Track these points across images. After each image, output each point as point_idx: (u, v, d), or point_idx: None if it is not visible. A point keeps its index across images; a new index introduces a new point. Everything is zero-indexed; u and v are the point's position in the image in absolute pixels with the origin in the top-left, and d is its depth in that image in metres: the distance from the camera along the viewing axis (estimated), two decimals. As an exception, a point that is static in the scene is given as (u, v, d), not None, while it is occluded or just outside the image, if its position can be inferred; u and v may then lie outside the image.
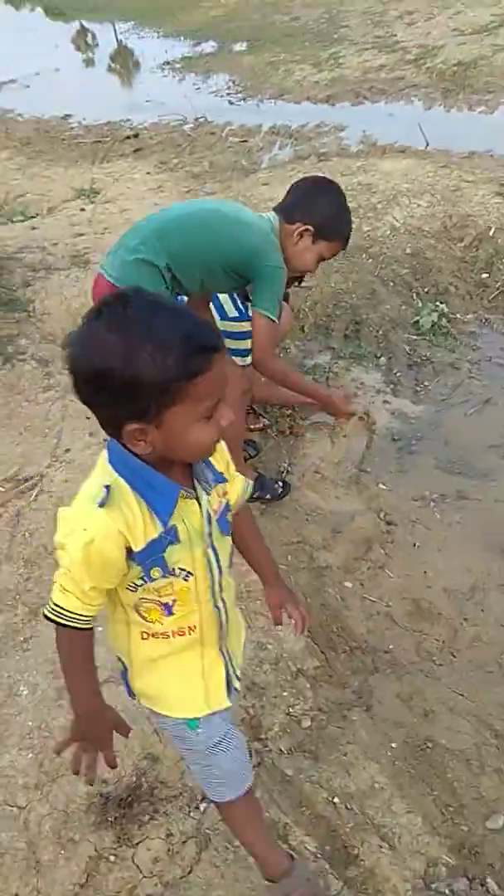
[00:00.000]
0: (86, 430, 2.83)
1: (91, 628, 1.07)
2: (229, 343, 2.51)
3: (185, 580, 1.10)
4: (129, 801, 1.61)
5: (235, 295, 2.50)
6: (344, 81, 7.10)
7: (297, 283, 2.49)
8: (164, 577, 1.07)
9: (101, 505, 0.99)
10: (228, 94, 7.51)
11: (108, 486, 1.00)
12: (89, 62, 10.42)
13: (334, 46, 8.10)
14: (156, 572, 1.07)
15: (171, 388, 0.94)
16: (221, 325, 2.46)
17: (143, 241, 2.05)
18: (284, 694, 1.87)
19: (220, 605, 1.18)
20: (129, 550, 1.02)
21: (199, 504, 1.09)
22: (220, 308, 2.48)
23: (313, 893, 1.41)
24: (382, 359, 3.24)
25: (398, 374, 3.15)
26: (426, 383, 3.10)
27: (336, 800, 1.64)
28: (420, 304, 3.53)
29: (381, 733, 1.78)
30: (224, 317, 2.48)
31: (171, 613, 1.12)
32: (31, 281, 3.71)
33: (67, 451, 2.76)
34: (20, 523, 2.44)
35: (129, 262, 2.04)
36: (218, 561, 1.14)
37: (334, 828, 1.59)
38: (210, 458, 1.11)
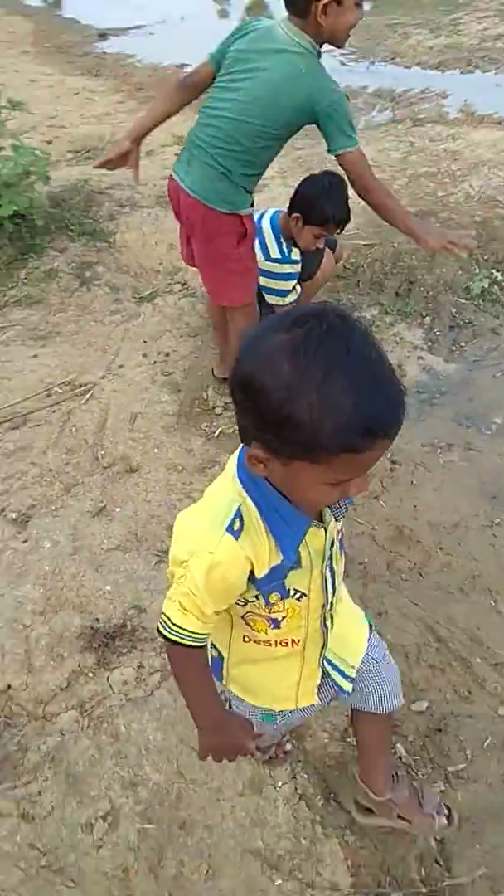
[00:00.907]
0: (140, 351, 3.16)
1: (206, 644, 1.07)
2: (269, 283, 2.74)
3: (299, 601, 1.07)
4: (112, 636, 1.94)
5: (282, 237, 2.71)
6: (458, 48, 6.99)
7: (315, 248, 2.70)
8: (280, 600, 1.05)
9: (233, 534, 0.94)
10: (343, 54, 7.54)
11: (239, 512, 0.95)
12: (223, 13, 10.57)
13: (457, 12, 7.93)
14: (273, 597, 1.04)
15: (314, 449, 0.82)
16: (263, 264, 2.68)
17: (209, 144, 2.20)
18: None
19: (329, 622, 1.16)
20: (250, 574, 0.99)
21: (326, 530, 1.02)
22: (265, 248, 2.70)
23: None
24: (427, 318, 3.38)
25: (438, 334, 3.29)
26: (463, 344, 3.23)
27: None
28: (476, 271, 3.62)
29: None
30: (267, 257, 2.70)
31: (277, 627, 1.09)
32: (115, 215, 4.05)
33: (121, 366, 3.09)
34: (69, 420, 2.80)
35: (205, 174, 2.23)
36: (333, 580, 1.12)
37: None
38: None
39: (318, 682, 1.22)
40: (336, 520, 1.02)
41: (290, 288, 2.77)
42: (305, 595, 1.06)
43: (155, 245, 3.87)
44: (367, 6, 8.90)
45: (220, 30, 2.52)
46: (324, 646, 1.18)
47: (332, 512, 1.00)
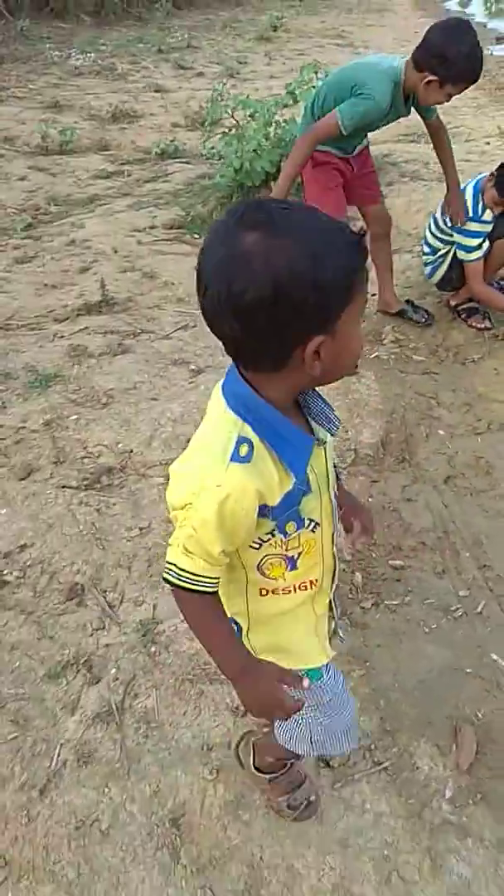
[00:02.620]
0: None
1: (218, 590, 1.01)
2: (460, 238, 2.98)
3: (313, 532, 1.04)
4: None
5: (479, 199, 2.90)
6: None
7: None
8: (298, 528, 1.01)
9: (239, 461, 0.90)
10: None
11: (241, 440, 0.91)
12: None
13: None
14: (291, 527, 1.00)
15: (352, 283, 0.85)
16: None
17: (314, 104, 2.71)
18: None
19: (338, 553, 1.13)
20: (262, 507, 0.95)
21: (325, 450, 1.02)
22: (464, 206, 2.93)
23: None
24: None
25: None
26: None
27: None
28: None
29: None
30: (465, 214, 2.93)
31: (294, 568, 1.05)
32: (394, 182, 4.48)
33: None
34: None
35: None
36: (336, 507, 1.10)
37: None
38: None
39: (330, 627, 1.21)
40: (332, 434, 1.02)
41: (476, 245, 2.95)
42: (319, 525, 1.04)
43: (416, 212, 4.22)
44: None
45: None
46: (334, 580, 1.15)
47: (325, 427, 1.00)
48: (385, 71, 2.49)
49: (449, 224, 3.00)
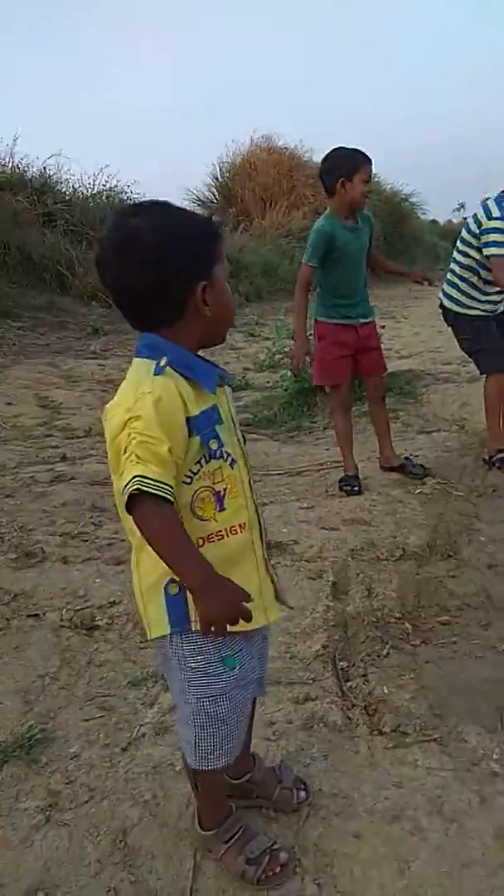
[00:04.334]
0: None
1: (173, 501, 1.04)
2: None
3: (232, 467, 1.17)
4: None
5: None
6: None
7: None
8: (218, 455, 1.14)
9: (162, 372, 1.08)
10: None
11: (159, 367, 1.08)
12: None
13: None
14: (214, 443, 1.13)
15: (217, 242, 1.17)
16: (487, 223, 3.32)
17: None
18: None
19: (257, 505, 1.24)
20: (186, 420, 1.08)
21: (227, 397, 1.21)
22: (486, 209, 3.38)
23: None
24: None
25: None
26: None
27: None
28: None
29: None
30: (489, 216, 3.35)
31: (223, 508, 1.15)
32: (430, 384, 5.25)
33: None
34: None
35: None
36: (247, 461, 1.24)
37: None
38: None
39: (273, 590, 1.27)
40: (230, 386, 1.22)
41: None
42: (235, 462, 1.18)
43: (451, 403, 4.89)
44: None
45: None
46: (262, 534, 1.25)
47: (224, 378, 1.20)
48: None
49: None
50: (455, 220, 27.58)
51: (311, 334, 3.50)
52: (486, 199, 3.53)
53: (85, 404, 5.32)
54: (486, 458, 3.75)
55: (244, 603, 1.06)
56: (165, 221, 1.11)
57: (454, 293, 3.63)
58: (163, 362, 1.08)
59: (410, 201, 18.11)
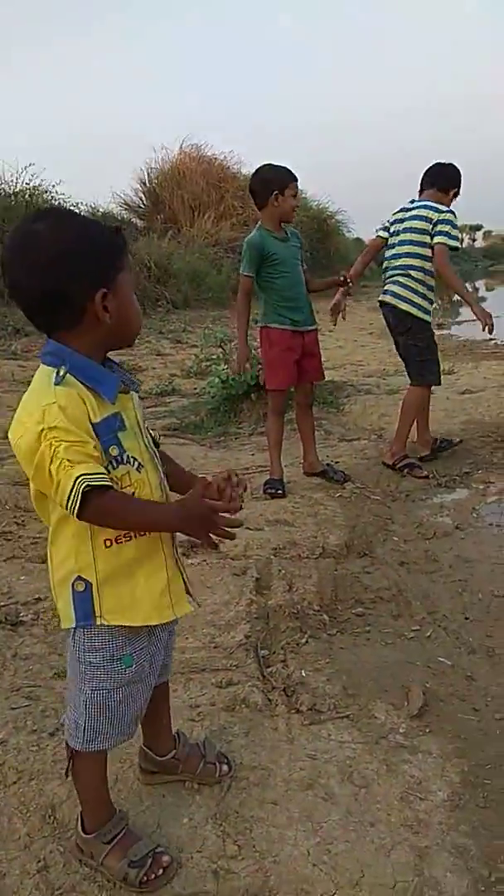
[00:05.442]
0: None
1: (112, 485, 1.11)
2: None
3: (139, 472, 1.19)
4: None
5: None
6: None
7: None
8: (122, 461, 1.16)
9: (62, 382, 1.09)
10: None
11: (59, 376, 1.10)
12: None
13: None
14: (114, 450, 1.14)
15: (120, 252, 1.16)
16: None
17: None
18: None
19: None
20: (92, 426, 1.11)
21: (133, 402, 1.23)
22: (433, 207, 3.70)
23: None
24: None
25: None
26: None
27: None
28: None
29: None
30: (438, 211, 3.66)
31: None
32: (351, 394, 5.48)
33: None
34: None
35: None
36: (158, 461, 1.27)
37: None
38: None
39: (183, 586, 1.29)
40: (135, 391, 1.25)
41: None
42: (143, 466, 1.20)
43: (370, 413, 5.13)
44: None
45: None
46: (172, 534, 1.26)
47: (129, 385, 1.24)
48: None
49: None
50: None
51: (253, 339, 3.70)
52: (423, 203, 3.73)
53: (5, 405, 5.25)
54: (388, 462, 3.92)
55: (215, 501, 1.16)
56: (68, 227, 1.14)
57: (415, 298, 3.75)
58: (62, 371, 1.11)
59: (336, 219, 18.66)
